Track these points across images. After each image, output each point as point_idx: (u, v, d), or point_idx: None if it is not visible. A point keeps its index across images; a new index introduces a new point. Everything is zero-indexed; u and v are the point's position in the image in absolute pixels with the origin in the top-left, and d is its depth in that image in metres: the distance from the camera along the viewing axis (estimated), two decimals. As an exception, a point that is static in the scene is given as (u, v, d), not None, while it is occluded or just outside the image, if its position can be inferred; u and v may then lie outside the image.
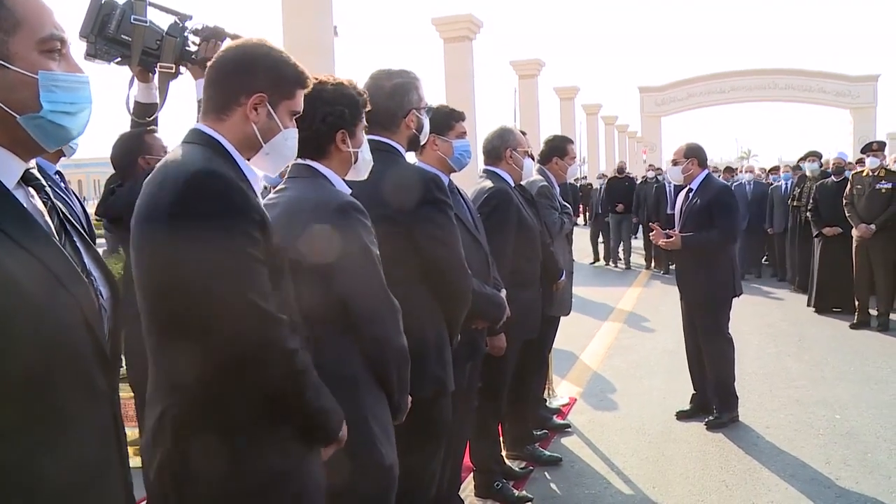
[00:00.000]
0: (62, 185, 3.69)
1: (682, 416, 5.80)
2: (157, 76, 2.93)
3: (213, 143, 1.96)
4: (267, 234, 1.89)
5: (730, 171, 16.14)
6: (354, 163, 2.53)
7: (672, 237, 5.54)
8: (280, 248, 1.97)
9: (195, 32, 2.88)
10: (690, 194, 5.65)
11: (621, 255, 16.31)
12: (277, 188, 2.59)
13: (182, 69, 2.93)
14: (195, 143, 1.97)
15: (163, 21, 2.87)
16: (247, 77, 2.00)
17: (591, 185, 14.20)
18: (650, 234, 6.09)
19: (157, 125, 3.23)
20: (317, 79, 2.43)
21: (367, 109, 2.59)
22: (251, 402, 1.86)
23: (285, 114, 2.06)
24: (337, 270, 2.30)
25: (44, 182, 1.50)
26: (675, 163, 5.74)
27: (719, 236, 5.49)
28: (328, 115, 2.44)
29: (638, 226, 16.18)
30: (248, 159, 2.03)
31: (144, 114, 3.12)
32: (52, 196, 1.51)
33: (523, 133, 5.22)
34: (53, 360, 1.37)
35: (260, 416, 1.88)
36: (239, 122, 2.00)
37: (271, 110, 2.02)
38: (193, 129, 2.03)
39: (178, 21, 2.89)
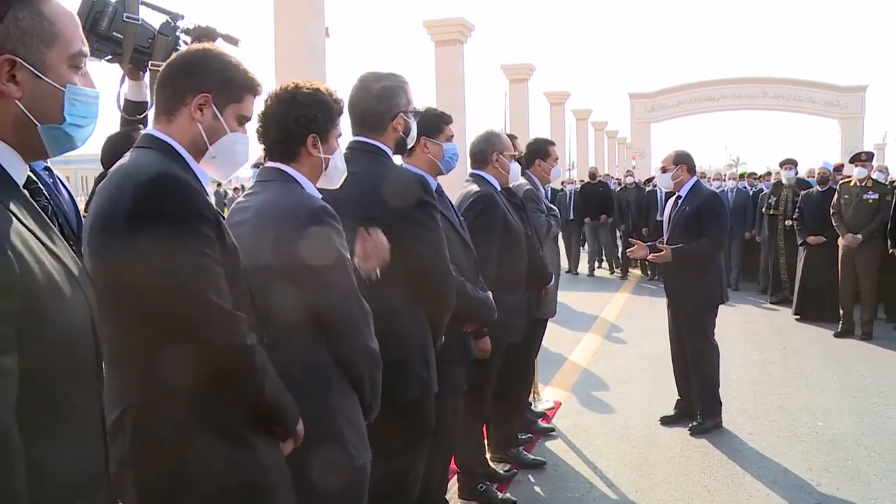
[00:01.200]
0: (50, 181, 3.68)
1: (666, 421, 5.84)
2: (147, 74, 2.93)
3: (165, 146, 2.00)
4: (222, 234, 1.93)
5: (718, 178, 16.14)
6: (325, 169, 2.52)
7: (662, 251, 5.55)
8: (235, 247, 2.01)
9: (186, 32, 2.88)
10: (679, 201, 5.69)
11: (605, 261, 16.12)
12: (247, 191, 2.60)
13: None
14: (148, 147, 2.00)
15: (154, 20, 2.88)
16: (193, 77, 2.03)
17: (562, 189, 13.81)
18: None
19: (146, 123, 3.24)
20: (294, 83, 2.48)
21: (341, 116, 2.58)
22: (218, 402, 1.91)
23: (232, 117, 2.08)
24: (309, 275, 2.30)
25: (41, 186, 1.54)
26: (664, 170, 5.78)
27: (709, 244, 5.53)
28: (301, 117, 2.44)
29: (622, 232, 15.78)
30: (199, 163, 2.06)
31: (135, 111, 3.12)
32: (49, 199, 1.54)
33: (514, 137, 5.25)
34: (74, 358, 1.42)
35: (230, 416, 1.93)
36: (186, 122, 2.02)
37: (216, 111, 2.04)
38: (145, 134, 2.06)
39: (169, 20, 2.89)
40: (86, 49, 1.51)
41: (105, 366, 1.85)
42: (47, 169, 3.70)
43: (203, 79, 2.03)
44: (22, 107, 1.40)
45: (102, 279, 1.72)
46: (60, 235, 1.49)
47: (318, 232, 2.32)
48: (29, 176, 1.50)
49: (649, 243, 5.93)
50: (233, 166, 2.17)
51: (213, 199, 2.03)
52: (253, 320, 2.01)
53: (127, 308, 1.80)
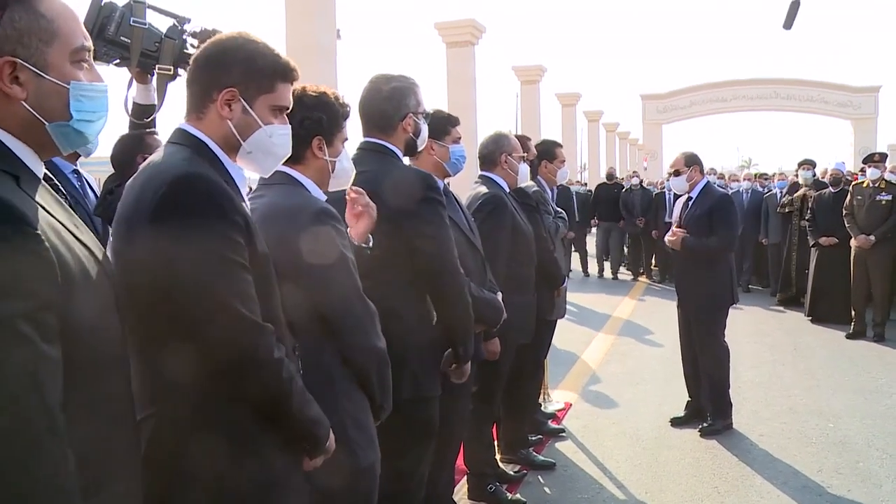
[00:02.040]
0: (78, 184, 3.72)
1: (676, 422, 5.82)
2: (155, 78, 2.95)
3: (197, 143, 1.91)
4: (252, 238, 1.85)
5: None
6: (332, 172, 2.51)
7: (675, 235, 5.58)
8: (266, 253, 1.93)
9: (193, 35, 2.90)
10: (690, 202, 5.69)
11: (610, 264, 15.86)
12: (252, 193, 2.59)
13: (180, 71, 2.95)
14: (179, 143, 1.92)
15: (162, 23, 2.89)
16: (217, 71, 1.93)
17: (567, 188, 13.52)
18: (661, 240, 6.13)
19: (155, 126, 3.26)
20: (301, 87, 2.42)
21: (347, 120, 2.57)
22: (234, 409, 1.83)
23: (265, 109, 1.97)
24: (313, 277, 2.30)
25: (56, 181, 1.55)
26: (677, 173, 5.75)
27: (718, 243, 5.54)
28: (305, 120, 2.43)
29: (629, 235, 15.55)
30: (234, 160, 1.98)
31: (142, 115, 3.14)
32: (67, 194, 1.56)
33: (527, 139, 5.26)
34: (102, 343, 1.44)
35: (245, 423, 1.86)
36: (215, 119, 1.93)
37: (246, 105, 1.94)
38: (178, 128, 1.97)
39: (176, 24, 2.91)
40: (88, 43, 1.49)
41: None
42: (76, 172, 3.74)
43: (227, 72, 1.92)
44: (28, 107, 1.40)
45: (124, 280, 1.68)
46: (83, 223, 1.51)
47: (320, 232, 2.32)
48: (45, 173, 1.50)
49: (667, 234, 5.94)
50: (273, 160, 2.07)
51: (247, 202, 1.94)
52: (284, 330, 1.95)
53: (147, 311, 1.74)
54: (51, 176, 1.54)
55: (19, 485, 1.17)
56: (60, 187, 1.55)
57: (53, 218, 1.37)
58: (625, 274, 15.84)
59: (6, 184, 1.31)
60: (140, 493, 1.58)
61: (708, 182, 5.75)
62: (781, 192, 12.14)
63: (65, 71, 1.44)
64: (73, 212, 1.50)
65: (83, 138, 1.50)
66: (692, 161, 5.70)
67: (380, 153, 3.05)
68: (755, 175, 15.84)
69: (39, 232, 1.27)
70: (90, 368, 1.38)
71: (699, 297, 5.64)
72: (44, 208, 1.35)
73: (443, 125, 3.65)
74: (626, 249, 15.98)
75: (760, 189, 13.64)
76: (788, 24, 3.11)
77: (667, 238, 5.77)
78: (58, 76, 1.43)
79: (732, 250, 5.83)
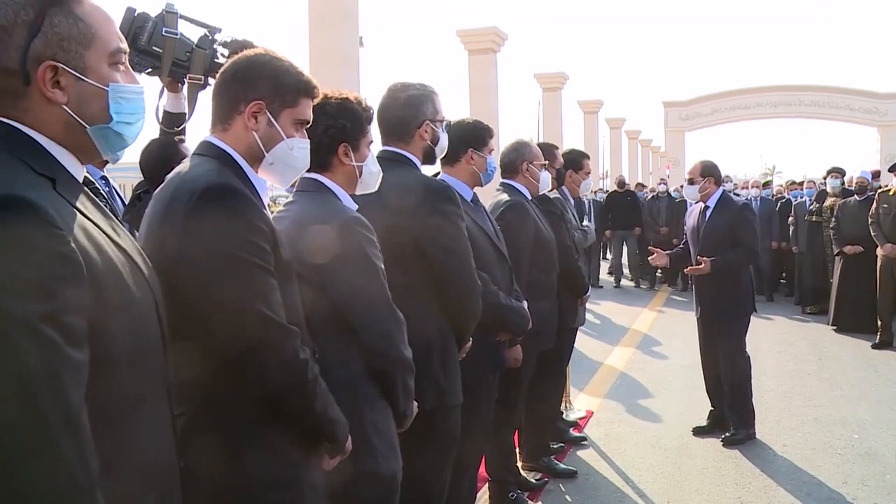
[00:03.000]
0: (106, 190, 3.77)
1: (699, 431, 5.80)
2: (186, 87, 2.99)
3: (223, 155, 1.98)
4: (276, 245, 1.91)
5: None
6: (359, 177, 2.55)
7: (701, 264, 5.53)
8: (289, 261, 1.99)
9: (224, 45, 2.93)
10: (708, 212, 5.67)
11: (628, 272, 15.69)
12: (286, 201, 2.63)
13: (210, 80, 2.98)
14: (206, 155, 1.99)
15: (193, 33, 2.93)
16: (245, 85, 2.02)
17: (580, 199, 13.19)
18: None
19: (185, 134, 3.30)
20: (323, 93, 2.46)
21: (371, 124, 2.60)
22: (261, 411, 1.90)
23: (288, 122, 2.06)
24: (341, 284, 2.34)
25: (98, 186, 1.57)
26: (691, 182, 5.78)
27: (745, 255, 5.55)
28: (330, 128, 2.47)
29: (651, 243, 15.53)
30: (256, 171, 2.04)
31: (173, 123, 3.18)
32: (107, 200, 1.57)
33: (555, 147, 5.27)
34: (141, 346, 1.45)
35: (266, 423, 1.92)
36: (241, 131, 2.01)
37: (271, 118, 2.02)
38: (204, 140, 2.05)
39: (207, 34, 2.94)
40: (124, 45, 1.51)
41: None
42: (104, 178, 3.79)
43: (255, 86, 2.01)
44: (69, 111, 1.42)
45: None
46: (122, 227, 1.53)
47: (350, 241, 2.35)
48: (86, 177, 1.52)
49: (671, 251, 5.97)
50: (293, 172, 2.14)
51: (269, 212, 2.01)
52: (307, 333, 2.01)
53: (176, 314, 1.75)
54: (92, 180, 1.56)
55: (32, 485, 1.17)
56: (102, 192, 1.57)
57: (91, 222, 1.38)
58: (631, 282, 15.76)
59: (39, 186, 1.32)
60: (179, 500, 1.60)
61: (724, 192, 5.75)
62: (811, 200, 12.05)
63: (103, 73, 1.46)
64: (114, 217, 1.51)
65: (122, 140, 1.52)
66: (708, 171, 5.69)
67: (397, 162, 3.06)
68: (765, 183, 15.67)
69: (65, 232, 1.27)
70: (123, 373, 1.39)
71: (721, 307, 5.61)
72: (81, 212, 1.36)
73: (482, 135, 3.68)
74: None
75: (772, 198, 13.51)
76: None
77: (688, 269, 5.76)
78: (97, 79, 1.45)
79: (757, 259, 5.81)
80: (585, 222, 5.72)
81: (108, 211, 1.50)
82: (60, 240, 1.25)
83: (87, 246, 1.32)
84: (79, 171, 1.47)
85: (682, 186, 15.81)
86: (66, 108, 1.41)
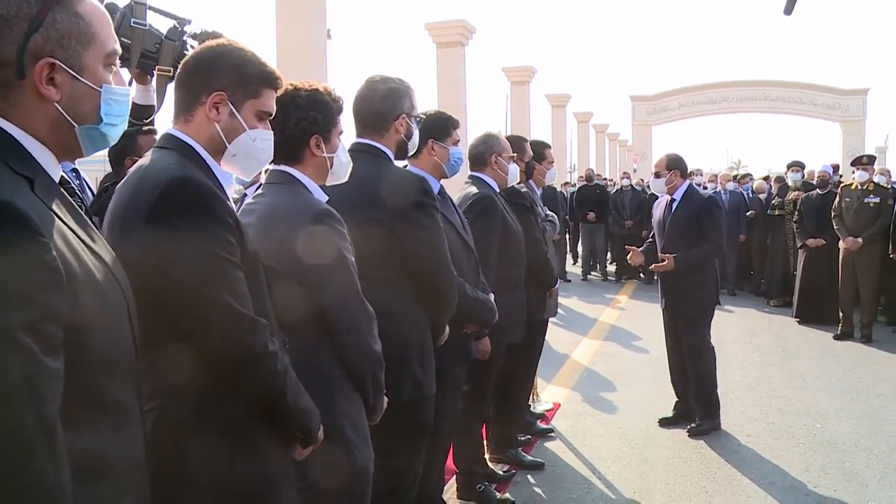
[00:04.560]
0: (77, 182, 3.73)
1: (664, 423, 5.86)
2: (154, 79, 2.95)
3: (185, 147, 1.97)
4: (241, 238, 1.90)
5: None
6: (330, 168, 2.54)
7: (664, 261, 5.57)
8: (255, 252, 1.98)
9: (193, 37, 2.90)
10: (674, 205, 5.70)
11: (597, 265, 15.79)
12: (255, 193, 2.61)
13: None
14: (168, 147, 1.98)
15: (162, 25, 2.89)
16: (207, 76, 2.00)
17: (553, 188, 12.91)
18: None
19: (154, 125, 3.27)
20: (292, 85, 2.47)
21: (341, 115, 2.59)
22: (235, 405, 1.89)
23: (251, 113, 2.04)
24: (312, 278, 2.33)
25: (83, 185, 1.55)
26: (657, 175, 5.79)
27: (710, 249, 5.58)
28: (301, 120, 2.46)
29: (616, 236, 15.28)
30: (219, 163, 2.03)
31: (142, 115, 3.15)
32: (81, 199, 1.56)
33: (525, 140, 5.29)
34: (116, 352, 1.44)
35: (243, 419, 1.91)
36: (203, 122, 2.00)
37: (233, 109, 2.00)
38: (165, 133, 2.03)
39: (176, 25, 2.91)
40: (118, 48, 1.51)
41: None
42: (74, 171, 3.75)
43: (217, 76, 1.99)
44: (60, 109, 1.40)
45: None
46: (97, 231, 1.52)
47: (320, 233, 2.34)
48: (62, 176, 1.51)
49: (643, 247, 5.99)
50: (256, 163, 2.13)
51: (233, 204, 1.99)
52: (275, 325, 2.00)
53: (143, 311, 1.73)
54: (67, 179, 1.54)
55: (6, 493, 1.16)
56: (77, 191, 1.55)
57: (65, 226, 1.36)
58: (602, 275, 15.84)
59: (19, 188, 1.30)
60: (149, 501, 1.59)
61: (690, 185, 5.78)
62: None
63: (98, 74, 1.45)
64: (88, 218, 1.50)
65: (106, 141, 1.52)
66: (674, 164, 5.71)
67: (371, 155, 3.06)
68: (735, 176, 15.78)
69: (47, 239, 1.25)
70: (100, 377, 1.39)
71: (686, 300, 5.65)
72: (57, 215, 1.35)
73: (445, 126, 3.67)
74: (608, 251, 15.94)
75: (743, 191, 13.65)
76: (789, 10, 3.11)
77: (653, 266, 5.77)
78: (92, 79, 1.44)
79: (722, 252, 5.86)
80: (548, 211, 5.72)
81: (82, 214, 1.49)
82: (43, 248, 1.24)
83: (65, 253, 1.31)
84: (55, 171, 1.46)
85: (645, 180, 15.94)
86: (57, 105, 1.40)
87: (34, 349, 1.19)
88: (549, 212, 5.70)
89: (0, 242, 1.19)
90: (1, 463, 1.16)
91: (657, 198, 13.80)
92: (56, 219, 1.34)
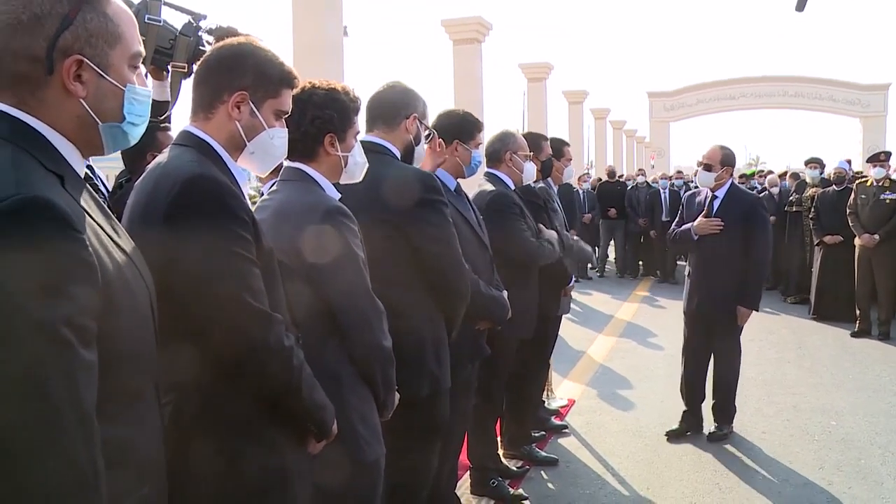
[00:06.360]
0: (93, 180, 3.77)
1: (671, 435, 5.55)
2: (170, 75, 2.98)
3: (202, 144, 2.00)
4: (258, 235, 1.93)
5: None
6: (345, 167, 2.56)
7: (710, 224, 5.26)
8: (271, 249, 2.01)
9: (209, 32, 2.92)
10: (716, 202, 5.37)
11: (613, 261, 15.78)
12: (270, 190, 2.64)
13: (195, 68, 2.98)
14: (186, 145, 2.01)
15: (177, 20, 2.92)
16: (230, 75, 2.03)
17: (569, 186, 12.80)
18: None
19: (169, 122, 3.30)
20: (310, 83, 2.49)
21: (358, 115, 2.61)
22: (249, 401, 1.92)
23: (270, 112, 2.08)
24: (323, 274, 2.35)
25: (97, 182, 1.59)
26: (708, 168, 5.39)
27: (759, 271, 5.39)
28: (317, 118, 2.48)
29: (630, 233, 15.29)
30: (236, 160, 2.06)
31: (157, 112, 3.17)
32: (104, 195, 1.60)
33: (544, 138, 5.30)
34: (141, 345, 1.49)
35: (258, 415, 1.94)
36: (223, 120, 2.03)
37: (254, 108, 2.04)
38: (184, 131, 2.06)
39: (192, 21, 2.93)
40: (142, 49, 1.55)
41: None
42: (89, 167, 3.79)
43: (240, 75, 2.02)
44: (86, 106, 1.44)
45: None
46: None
47: (332, 230, 2.37)
48: (86, 173, 1.55)
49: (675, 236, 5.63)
50: (272, 161, 2.16)
51: (248, 201, 2.02)
52: (288, 321, 2.02)
53: (160, 306, 1.75)
54: (91, 175, 1.59)
55: (45, 483, 1.20)
56: (100, 187, 1.59)
57: (94, 221, 1.40)
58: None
59: (53, 185, 1.34)
60: (165, 495, 1.63)
61: (734, 183, 5.50)
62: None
63: (123, 74, 1.49)
64: (111, 214, 1.54)
65: (127, 140, 1.56)
66: (727, 161, 5.40)
67: (378, 153, 3.06)
68: (744, 174, 15.74)
69: (83, 235, 1.29)
70: (126, 370, 1.43)
71: (727, 299, 5.36)
72: (85, 211, 1.39)
73: (471, 129, 3.71)
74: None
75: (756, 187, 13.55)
76: (801, 7, 3.10)
77: (698, 225, 5.34)
78: (117, 78, 1.48)
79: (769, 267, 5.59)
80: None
81: (106, 208, 1.53)
82: (81, 244, 1.28)
83: (98, 248, 1.35)
84: (80, 167, 1.49)
85: (655, 177, 15.81)
86: (83, 102, 1.44)
87: (73, 342, 1.24)
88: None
89: (43, 239, 1.23)
90: (42, 453, 1.19)
91: (659, 195, 13.67)
92: (86, 215, 1.38)
